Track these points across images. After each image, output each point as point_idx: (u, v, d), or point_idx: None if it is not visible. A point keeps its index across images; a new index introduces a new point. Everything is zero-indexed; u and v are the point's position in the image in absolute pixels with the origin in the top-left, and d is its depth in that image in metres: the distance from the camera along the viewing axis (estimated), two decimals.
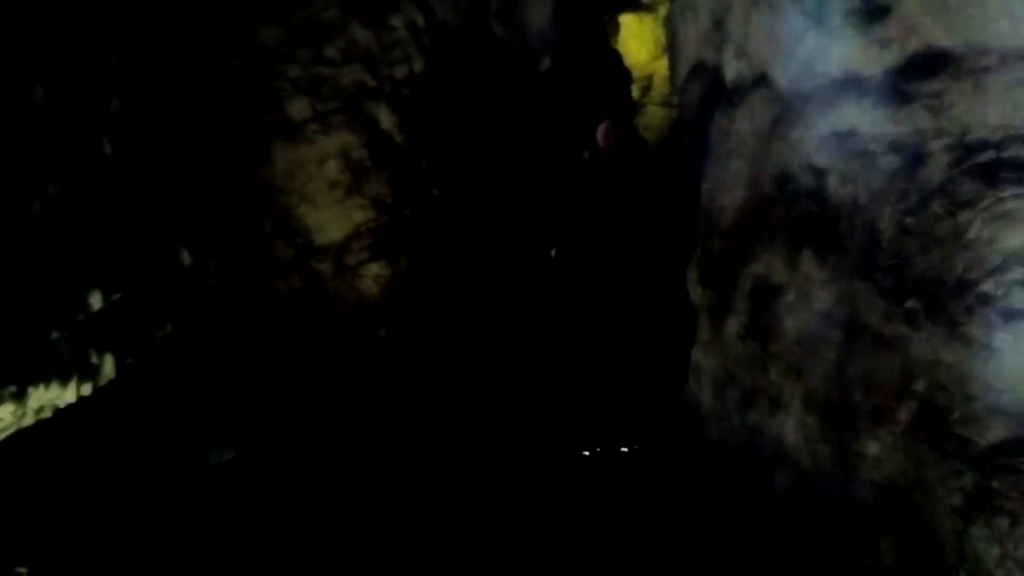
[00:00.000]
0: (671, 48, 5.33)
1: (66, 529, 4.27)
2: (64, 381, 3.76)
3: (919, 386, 2.65)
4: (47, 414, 3.81)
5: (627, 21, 8.47)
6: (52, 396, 3.73)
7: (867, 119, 3.14)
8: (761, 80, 3.93)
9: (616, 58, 8.72)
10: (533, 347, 6.21)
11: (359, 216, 6.37)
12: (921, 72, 2.98)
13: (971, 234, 2.61)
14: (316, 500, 4.72)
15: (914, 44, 3.04)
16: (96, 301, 3.96)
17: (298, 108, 6.29)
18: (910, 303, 2.74)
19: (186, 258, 4.72)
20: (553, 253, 5.08)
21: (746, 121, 3.99)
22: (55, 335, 3.74)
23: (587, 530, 4.27)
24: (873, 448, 2.80)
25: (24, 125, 3.70)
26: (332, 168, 6.32)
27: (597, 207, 4.94)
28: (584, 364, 5.05)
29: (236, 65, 5.63)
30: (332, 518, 4.54)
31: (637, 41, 8.46)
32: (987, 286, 2.52)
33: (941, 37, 2.94)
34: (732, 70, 4.28)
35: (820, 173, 3.34)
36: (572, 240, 4.96)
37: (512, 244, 6.94)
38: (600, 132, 5.11)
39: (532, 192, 7.07)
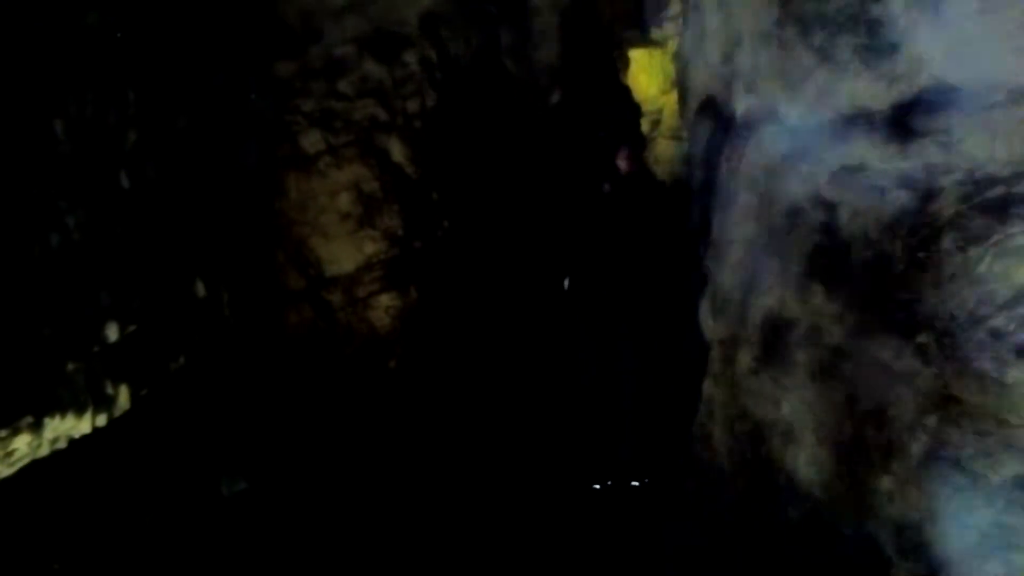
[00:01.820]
0: (681, 82, 5.36)
1: (80, 559, 4.27)
2: (79, 412, 3.79)
3: (931, 421, 2.64)
4: (62, 445, 3.83)
5: (637, 55, 8.50)
6: (67, 427, 3.76)
7: (877, 154, 3.15)
8: (771, 114, 3.95)
9: (626, 92, 8.78)
10: (545, 378, 6.20)
11: (370, 248, 6.41)
12: (931, 107, 2.99)
13: (982, 269, 2.61)
14: (328, 531, 4.71)
15: (923, 80, 3.06)
16: (112, 333, 4.00)
17: (312, 141, 6.36)
18: (921, 338, 2.73)
19: (201, 289, 4.76)
20: (566, 284, 5.06)
21: (756, 155, 4.00)
22: (71, 366, 3.78)
23: (599, 563, 4.25)
24: (886, 483, 2.79)
25: (43, 158, 3.75)
26: (344, 200, 6.38)
27: (616, 238, 4.94)
28: (596, 395, 5.02)
29: (252, 98, 5.71)
30: (344, 548, 4.53)
31: (647, 75, 8.48)
32: (998, 321, 2.52)
33: (950, 73, 2.96)
34: (741, 105, 4.31)
35: (830, 207, 3.34)
36: (587, 271, 4.94)
37: (524, 275, 6.95)
38: (621, 157, 5.13)
39: (544, 224, 7.10)
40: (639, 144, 5.58)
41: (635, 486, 4.88)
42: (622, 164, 5.11)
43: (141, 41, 4.39)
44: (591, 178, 5.08)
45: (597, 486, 4.93)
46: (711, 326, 4.28)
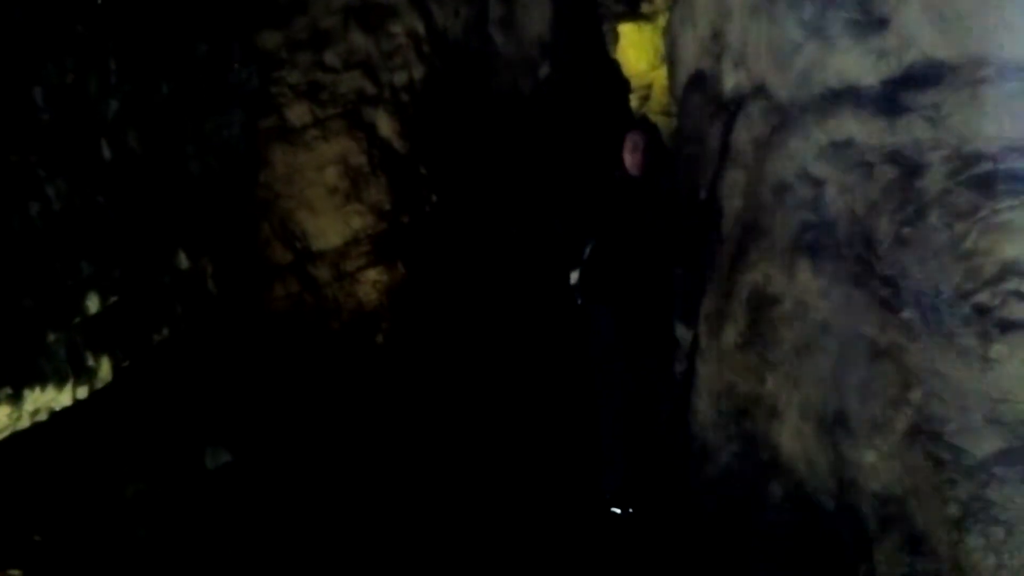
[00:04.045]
0: (670, 58, 5.33)
1: (61, 531, 4.26)
2: (60, 384, 3.76)
3: (915, 396, 2.65)
4: (43, 417, 3.81)
5: (626, 30, 8.47)
6: (48, 399, 3.73)
7: (865, 129, 3.15)
8: (760, 90, 3.94)
9: (615, 67, 8.73)
10: (534, 354, 6.21)
11: (358, 222, 6.38)
12: (919, 83, 2.99)
13: (968, 245, 2.61)
14: (312, 505, 4.71)
15: (912, 55, 3.05)
16: (93, 304, 3.97)
17: (298, 113, 6.32)
18: (907, 313, 2.74)
19: (183, 261, 4.72)
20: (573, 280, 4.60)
21: (744, 131, 3.99)
22: (52, 337, 3.75)
23: (582, 542, 4.28)
24: (869, 457, 2.80)
25: (23, 126, 3.70)
26: (331, 174, 6.34)
27: (630, 238, 4.44)
28: (582, 372, 4.98)
29: (236, 69, 5.64)
30: (328, 524, 4.54)
31: (636, 50, 8.47)
32: (984, 297, 2.52)
33: (939, 48, 2.95)
34: (731, 80, 4.29)
35: (818, 183, 3.34)
36: (576, 246, 4.66)
37: (512, 250, 6.94)
38: (627, 148, 4.42)
39: (534, 199, 7.08)
40: (651, 132, 4.66)
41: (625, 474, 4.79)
42: (628, 159, 4.38)
43: (123, 8, 4.33)
44: (608, 163, 4.58)
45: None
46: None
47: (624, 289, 4.44)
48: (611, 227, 4.46)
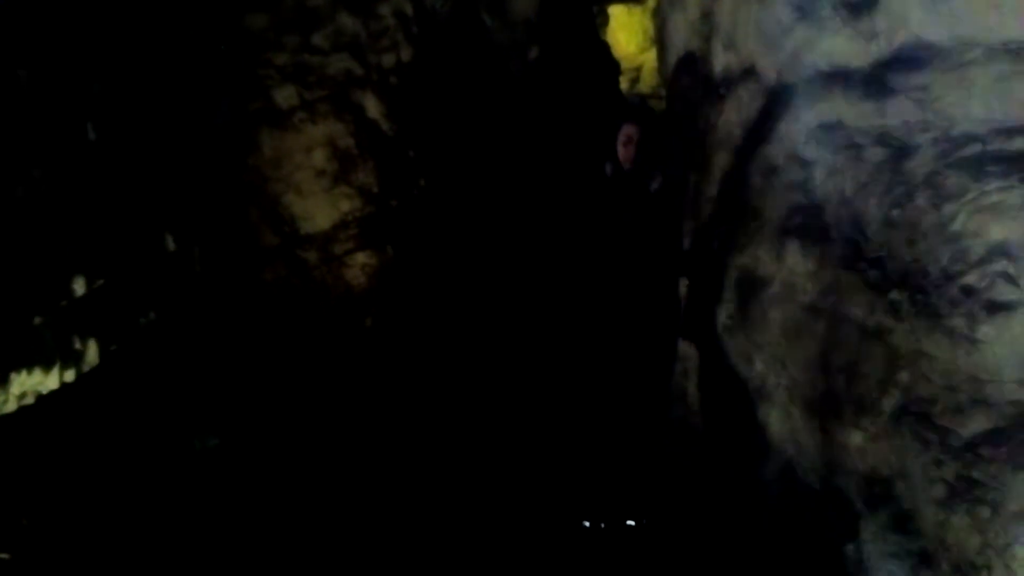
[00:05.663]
0: (660, 39, 5.32)
1: (49, 515, 4.25)
2: (47, 367, 3.74)
3: (903, 377, 2.66)
4: (29, 401, 3.79)
5: (616, 12, 8.45)
6: (35, 382, 3.71)
7: (854, 111, 3.15)
8: (749, 72, 3.93)
9: (604, 49, 8.70)
10: (522, 339, 6.21)
11: (346, 205, 6.35)
12: (908, 65, 2.99)
13: (956, 226, 2.62)
14: (300, 488, 4.71)
15: (902, 37, 3.05)
16: (79, 287, 3.94)
17: (285, 96, 6.26)
18: (894, 294, 2.75)
19: (171, 244, 4.70)
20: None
21: (734, 113, 3.99)
22: (38, 320, 3.72)
23: (571, 523, 4.29)
24: (856, 438, 2.82)
25: (8, 108, 3.67)
26: (319, 157, 6.30)
27: (621, 238, 4.29)
28: (573, 354, 4.98)
29: (223, 50, 5.60)
30: (316, 507, 4.54)
31: (626, 32, 8.44)
32: (971, 278, 2.53)
33: (928, 30, 2.95)
34: (720, 61, 4.28)
35: (807, 165, 3.34)
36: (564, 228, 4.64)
37: (500, 235, 6.93)
38: (621, 140, 4.34)
39: (523, 181, 7.07)
40: (647, 121, 4.56)
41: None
42: (623, 152, 4.31)
43: None
44: (600, 156, 4.49)
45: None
46: (686, 284, 4.29)
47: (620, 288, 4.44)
48: (603, 224, 4.45)
